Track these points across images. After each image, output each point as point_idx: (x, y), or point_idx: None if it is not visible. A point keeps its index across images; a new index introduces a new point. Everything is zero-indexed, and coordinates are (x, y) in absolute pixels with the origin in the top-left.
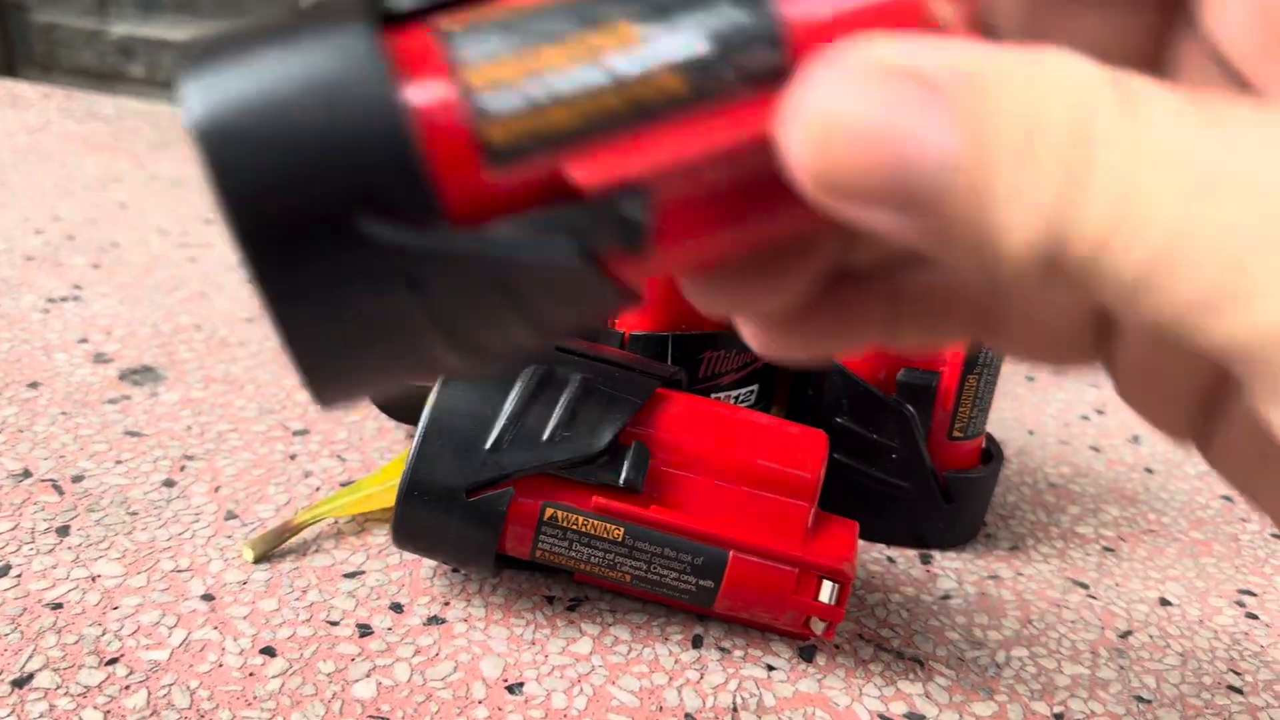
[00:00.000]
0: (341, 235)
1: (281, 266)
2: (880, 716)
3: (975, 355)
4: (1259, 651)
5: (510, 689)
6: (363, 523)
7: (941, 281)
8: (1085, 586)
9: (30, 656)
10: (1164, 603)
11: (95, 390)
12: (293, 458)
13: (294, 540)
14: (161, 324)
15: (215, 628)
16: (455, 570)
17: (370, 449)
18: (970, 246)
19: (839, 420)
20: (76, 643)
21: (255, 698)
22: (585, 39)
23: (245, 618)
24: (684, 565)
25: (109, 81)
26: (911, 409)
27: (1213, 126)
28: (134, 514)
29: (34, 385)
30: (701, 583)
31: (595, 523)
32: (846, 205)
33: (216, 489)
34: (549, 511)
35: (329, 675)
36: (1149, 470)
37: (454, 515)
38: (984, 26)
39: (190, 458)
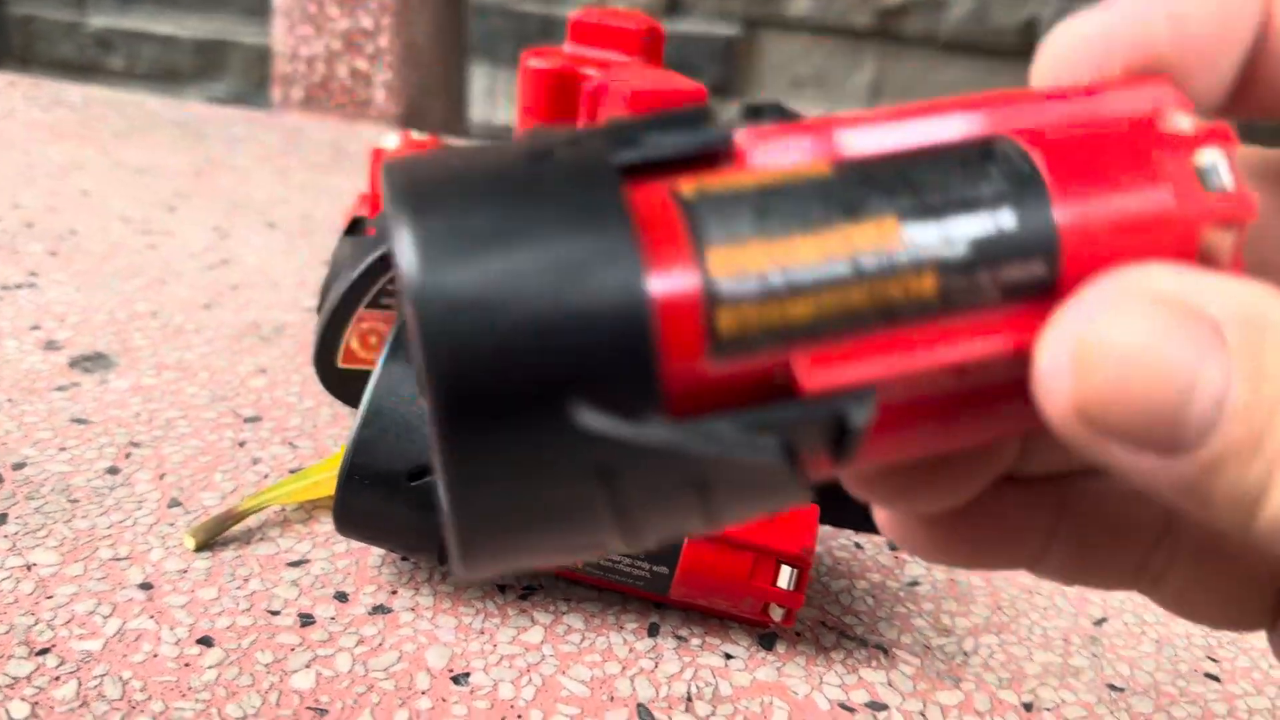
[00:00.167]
0: (549, 419)
1: (475, 440)
2: (841, 705)
3: None
4: (1237, 638)
5: (456, 679)
6: (311, 510)
7: (1115, 506)
8: None
9: None
10: None
11: (44, 377)
12: (242, 444)
13: (238, 528)
14: (117, 311)
15: (152, 617)
16: (404, 559)
17: (324, 435)
18: (1229, 501)
19: None
20: (7, 633)
21: (190, 688)
22: (842, 231)
23: (183, 607)
24: (638, 552)
25: (88, 74)
26: None
27: None
28: (75, 501)
29: None
30: (656, 569)
31: None
32: (1101, 441)
33: (162, 476)
34: None
35: (267, 666)
36: None
37: (396, 500)
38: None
39: (136, 445)
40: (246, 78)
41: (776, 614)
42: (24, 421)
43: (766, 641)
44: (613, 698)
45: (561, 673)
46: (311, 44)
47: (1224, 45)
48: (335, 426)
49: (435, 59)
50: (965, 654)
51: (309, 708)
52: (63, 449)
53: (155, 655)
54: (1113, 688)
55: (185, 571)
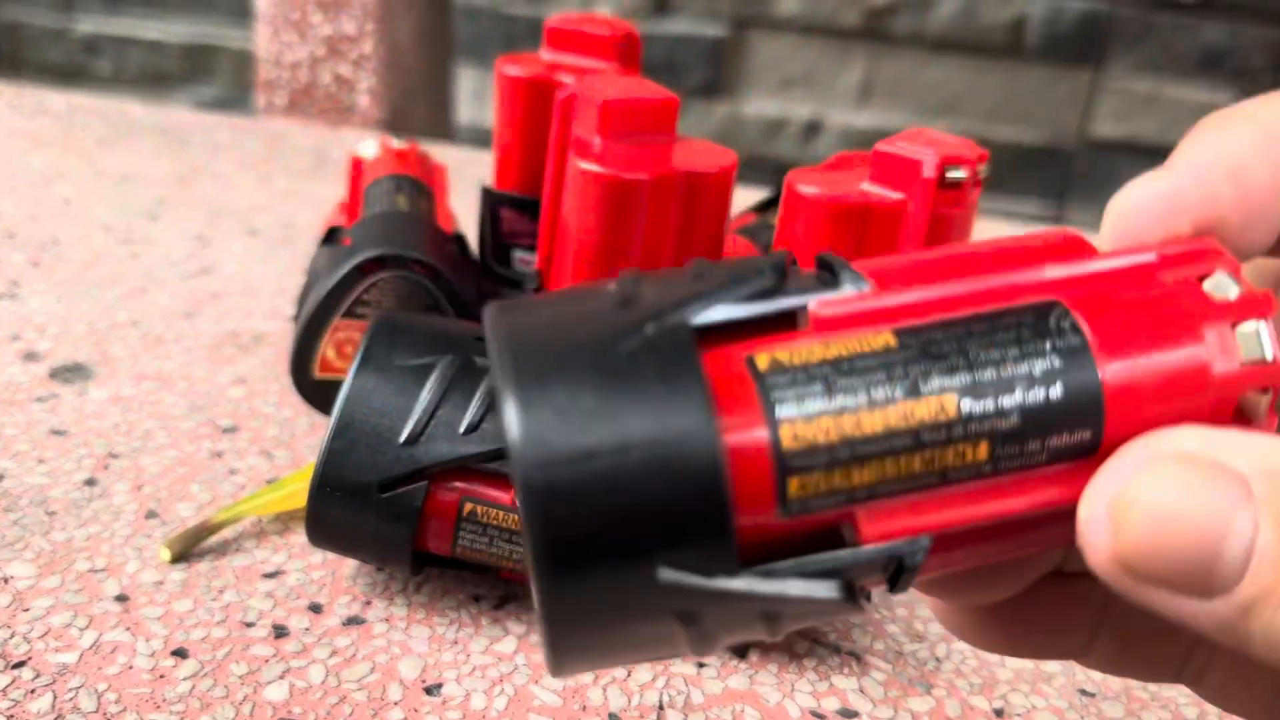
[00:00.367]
0: (636, 576)
1: (572, 595)
2: (812, 713)
3: None
4: None
5: (428, 690)
6: (286, 522)
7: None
8: None
9: None
10: None
11: (24, 389)
12: (219, 455)
13: (215, 540)
14: (97, 321)
15: (128, 629)
16: (379, 570)
17: (301, 446)
18: (1265, 639)
19: None
20: None
21: (164, 700)
22: (905, 407)
23: (159, 619)
24: None
25: (76, 79)
26: None
27: None
28: (52, 514)
29: None
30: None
31: (515, 517)
32: (1142, 587)
33: (139, 488)
34: (468, 506)
35: (241, 677)
36: None
37: (368, 512)
38: None
39: (115, 456)
40: (234, 82)
41: None
42: (3, 434)
43: (739, 649)
44: (585, 707)
45: (534, 683)
46: (295, 50)
47: (1278, 198)
48: (313, 437)
49: (420, 64)
50: (937, 660)
51: (282, 719)
52: (41, 461)
53: (130, 667)
54: (1084, 693)
55: (161, 583)
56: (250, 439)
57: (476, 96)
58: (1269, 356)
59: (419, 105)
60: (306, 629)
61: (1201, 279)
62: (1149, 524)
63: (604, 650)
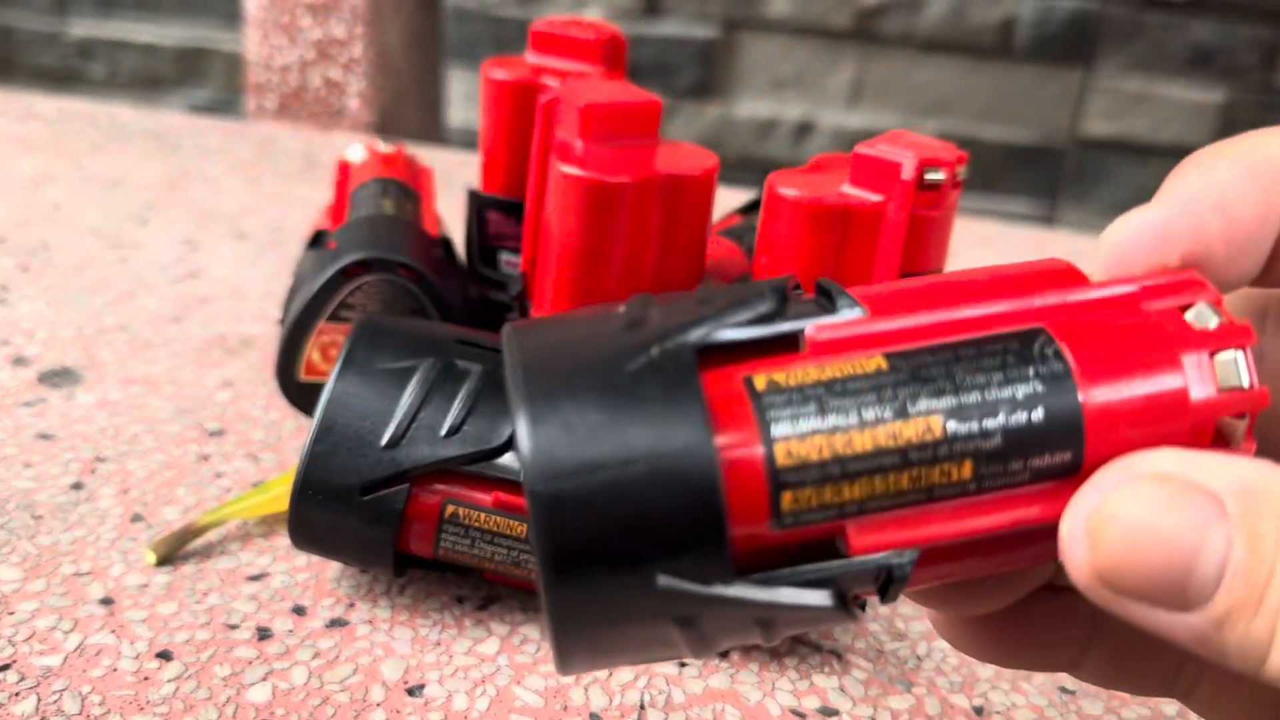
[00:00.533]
0: (637, 584)
1: (576, 598)
2: (793, 712)
3: None
4: None
5: (410, 691)
6: (272, 524)
7: None
8: None
9: None
10: None
11: (11, 393)
12: (205, 459)
13: (199, 543)
14: (86, 326)
15: (112, 632)
16: (363, 572)
17: (287, 448)
18: (1239, 652)
19: None
20: None
21: (148, 702)
22: (894, 427)
23: (143, 621)
24: None
25: (70, 83)
26: None
27: None
28: (39, 518)
29: None
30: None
31: (497, 519)
32: (1119, 600)
33: (125, 491)
34: (450, 509)
35: (224, 679)
36: None
37: (350, 514)
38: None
39: (101, 460)
40: (228, 85)
41: None
42: None
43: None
44: (566, 707)
45: (516, 683)
46: (285, 53)
47: (1263, 229)
48: (299, 439)
49: (410, 67)
50: (918, 658)
51: None
52: (28, 465)
53: (114, 670)
54: (1064, 690)
55: (146, 586)
56: (237, 442)
57: (468, 99)
58: (1246, 384)
59: (409, 108)
60: (290, 631)
61: (1184, 309)
62: (1125, 539)
63: (607, 650)
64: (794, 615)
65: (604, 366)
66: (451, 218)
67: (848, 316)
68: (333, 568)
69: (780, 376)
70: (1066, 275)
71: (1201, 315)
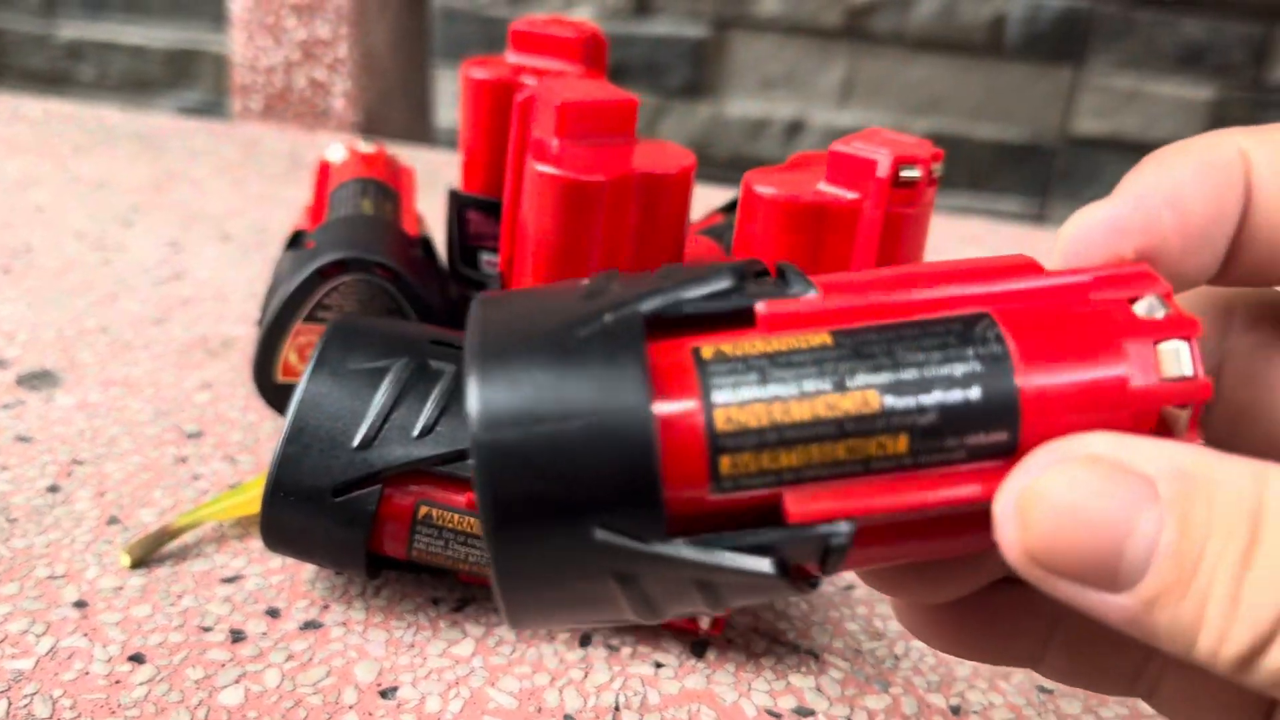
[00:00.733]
0: (576, 537)
1: (517, 547)
2: (768, 712)
3: None
4: None
5: (383, 693)
6: (247, 526)
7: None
8: None
9: None
10: None
11: None
12: (183, 460)
13: (175, 545)
14: (67, 328)
15: (85, 635)
16: (338, 574)
17: (265, 450)
18: (1169, 633)
19: None
20: None
21: (119, 705)
22: (831, 399)
23: (117, 624)
24: None
25: (59, 85)
26: None
27: None
28: (13, 521)
29: None
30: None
31: (471, 520)
32: (1051, 579)
33: (102, 494)
34: (423, 510)
35: (197, 682)
36: None
37: (322, 516)
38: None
39: (79, 462)
40: (217, 87)
41: (705, 622)
42: None
43: (697, 649)
44: (540, 709)
45: (490, 685)
46: (270, 55)
47: (1217, 227)
48: (276, 441)
49: (396, 67)
50: (896, 658)
51: None
52: (4, 468)
53: (86, 673)
54: (1042, 689)
55: (120, 589)
56: (215, 444)
57: (457, 99)
58: (1189, 374)
59: (396, 108)
60: (264, 633)
61: (1133, 301)
62: (1053, 519)
63: (552, 605)
64: (735, 580)
65: (556, 330)
66: (436, 217)
67: (799, 295)
68: (307, 569)
69: (728, 348)
70: (1025, 268)
71: (1150, 307)
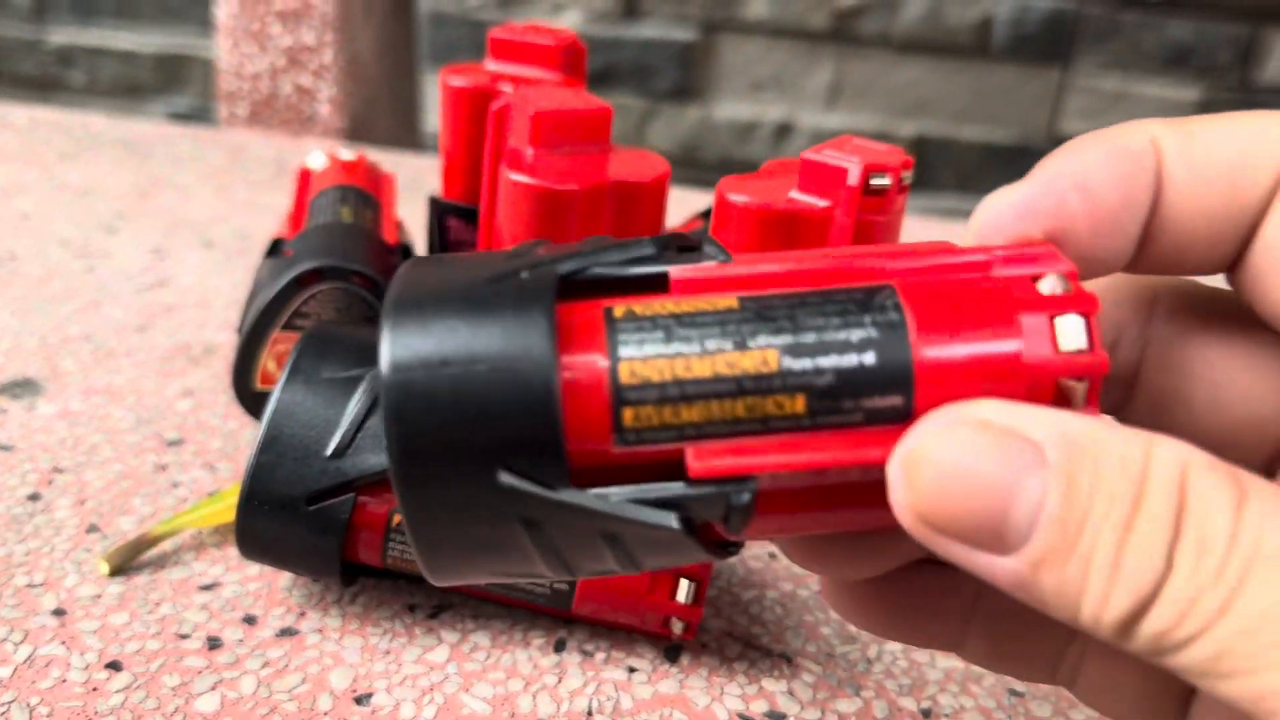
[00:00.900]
0: (481, 480)
1: (422, 491)
2: (740, 716)
3: None
4: None
5: (358, 700)
6: (225, 534)
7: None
8: None
9: None
10: None
11: None
12: (163, 468)
13: (154, 552)
14: (50, 336)
15: (63, 643)
16: (315, 581)
17: (244, 458)
18: (1055, 597)
19: None
20: None
21: (96, 713)
22: (731, 358)
23: (95, 632)
24: None
25: (50, 90)
26: None
27: None
28: None
29: None
30: (557, 585)
31: None
32: (940, 539)
33: (82, 502)
34: (397, 517)
35: (173, 689)
36: None
37: (296, 524)
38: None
39: (60, 470)
40: (207, 92)
41: (677, 627)
42: None
43: (671, 654)
44: (514, 714)
45: (464, 691)
46: (255, 61)
47: (1127, 212)
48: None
49: (382, 73)
50: (868, 661)
51: None
52: None
53: (64, 680)
54: (1013, 692)
55: (99, 597)
56: (195, 451)
57: None
58: (1085, 347)
59: (382, 114)
60: (240, 640)
61: (1036, 278)
62: (939, 479)
63: (466, 552)
64: (641, 534)
65: (473, 284)
66: (421, 224)
67: (712, 262)
68: (284, 577)
69: (638, 308)
70: (940, 249)
71: (1053, 285)
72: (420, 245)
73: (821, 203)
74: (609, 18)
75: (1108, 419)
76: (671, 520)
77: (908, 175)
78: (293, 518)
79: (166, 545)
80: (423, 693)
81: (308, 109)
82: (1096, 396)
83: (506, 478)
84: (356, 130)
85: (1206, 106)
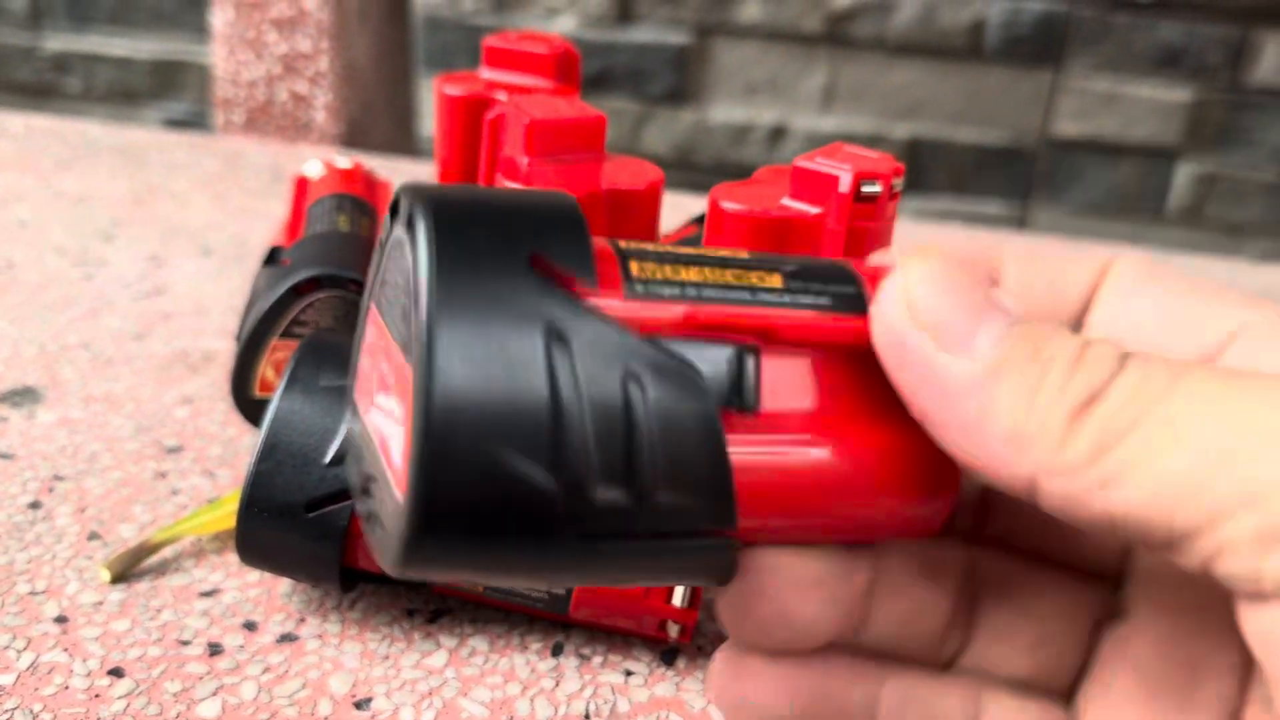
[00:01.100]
0: (511, 266)
1: (456, 268)
2: None
3: None
4: None
5: (358, 705)
6: (225, 541)
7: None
8: None
9: None
10: None
11: None
12: (163, 476)
13: (155, 559)
14: (49, 344)
15: (65, 650)
16: (315, 587)
17: (243, 465)
18: (1006, 404)
19: None
20: None
21: (99, 719)
22: (709, 252)
23: (97, 639)
24: None
25: (46, 97)
26: None
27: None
28: None
29: None
30: (553, 590)
31: None
32: (912, 337)
33: (83, 510)
34: None
35: (175, 695)
36: None
37: (295, 531)
38: None
39: (60, 478)
40: (204, 97)
41: (673, 630)
42: None
43: (668, 657)
44: (512, 718)
45: (463, 695)
46: (251, 68)
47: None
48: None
49: (378, 79)
50: None
51: None
52: None
53: (66, 687)
54: None
55: (100, 604)
56: (194, 459)
57: None
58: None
59: (378, 120)
60: (241, 646)
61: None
62: (931, 270)
63: (481, 368)
64: (662, 377)
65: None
66: None
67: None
68: (284, 583)
69: (633, 244)
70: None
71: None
72: None
73: (813, 210)
74: (603, 22)
75: None
76: (692, 369)
77: (898, 182)
78: (292, 524)
79: (167, 552)
80: (421, 697)
81: (304, 116)
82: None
83: (537, 273)
84: (353, 136)
85: (1198, 108)
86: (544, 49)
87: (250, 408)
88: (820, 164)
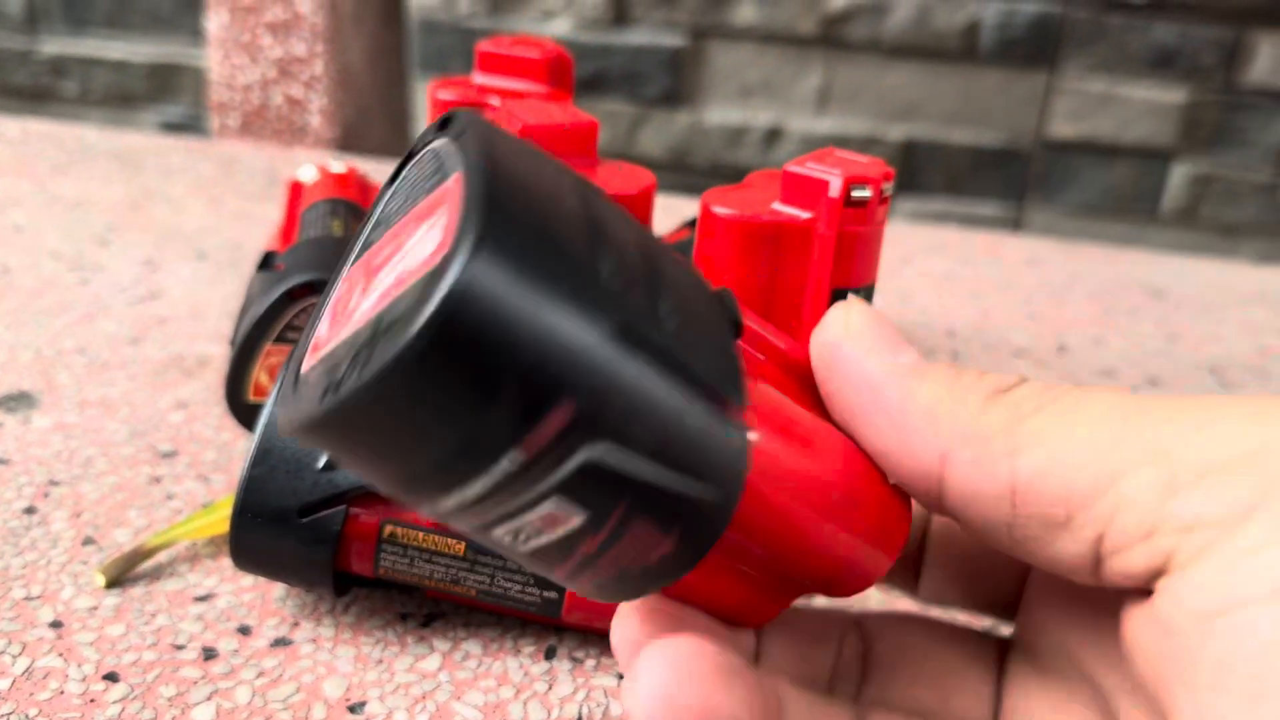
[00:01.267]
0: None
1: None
2: None
3: None
4: None
5: (352, 708)
6: (220, 545)
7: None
8: None
9: None
10: None
11: None
12: (157, 480)
13: (150, 564)
14: (45, 349)
15: (60, 655)
16: (308, 592)
17: (238, 469)
18: (925, 405)
19: None
20: None
21: None
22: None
23: (91, 644)
24: (526, 578)
25: (43, 101)
26: None
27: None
28: None
29: None
30: (546, 594)
31: (435, 538)
32: (853, 354)
33: (78, 515)
34: (388, 529)
35: (170, 700)
36: None
37: (289, 536)
38: None
39: (55, 484)
40: (200, 101)
41: None
42: None
43: None
44: None
45: (456, 699)
46: (247, 72)
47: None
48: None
49: (373, 82)
50: None
51: None
52: None
53: (61, 692)
54: None
55: (95, 609)
56: (188, 463)
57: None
58: None
59: (374, 123)
60: (235, 651)
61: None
62: (867, 309)
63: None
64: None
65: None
66: None
67: None
68: (278, 588)
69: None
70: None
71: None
72: None
73: (804, 214)
74: (598, 24)
75: None
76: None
77: (889, 187)
78: (286, 529)
79: (162, 557)
80: (415, 701)
81: (299, 120)
82: None
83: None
84: (348, 140)
85: (1192, 108)
86: (537, 54)
87: (244, 412)
88: (811, 169)
